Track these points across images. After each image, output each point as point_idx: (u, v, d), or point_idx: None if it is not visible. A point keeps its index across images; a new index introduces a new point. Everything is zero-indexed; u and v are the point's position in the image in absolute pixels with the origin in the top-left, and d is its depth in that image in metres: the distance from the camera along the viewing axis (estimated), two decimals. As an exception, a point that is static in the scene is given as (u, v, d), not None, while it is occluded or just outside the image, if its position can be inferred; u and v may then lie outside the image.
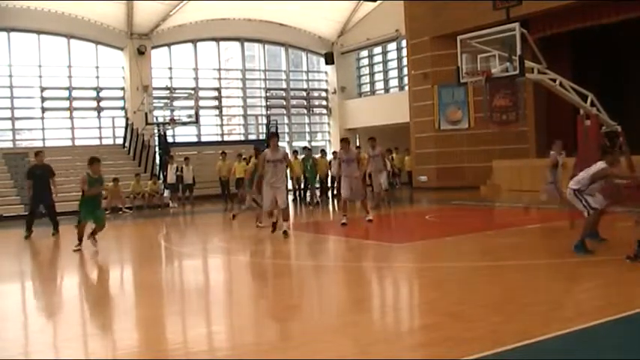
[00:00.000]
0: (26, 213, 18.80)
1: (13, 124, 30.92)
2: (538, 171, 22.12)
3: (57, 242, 16.29)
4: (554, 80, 19.60)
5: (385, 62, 37.66)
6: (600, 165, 10.19)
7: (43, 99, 31.28)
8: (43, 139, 31.20)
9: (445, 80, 26.86)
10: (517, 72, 19.07)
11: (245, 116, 37.34)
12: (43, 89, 31.20)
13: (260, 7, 33.58)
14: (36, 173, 17.30)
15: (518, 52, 18.91)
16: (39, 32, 30.80)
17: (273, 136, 15.45)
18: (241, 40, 36.43)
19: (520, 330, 6.38)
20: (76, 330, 7.69)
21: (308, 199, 25.72)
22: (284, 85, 38.47)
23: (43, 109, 31.37)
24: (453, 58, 21.91)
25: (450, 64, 23.71)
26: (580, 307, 7.47)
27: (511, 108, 26.78)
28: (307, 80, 39.63)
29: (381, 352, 6.08)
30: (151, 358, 6.31)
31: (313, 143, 38.00)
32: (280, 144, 16.38)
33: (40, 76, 31.12)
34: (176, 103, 32.39)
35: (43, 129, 31.35)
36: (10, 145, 30.13)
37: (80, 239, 13.67)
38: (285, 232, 14.21)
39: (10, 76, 30.49)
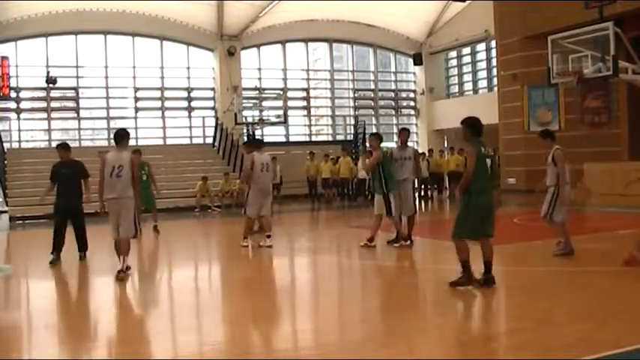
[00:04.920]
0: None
1: (108, 124, 31.89)
2: (632, 175, 21.55)
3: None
4: (649, 81, 19.13)
5: (474, 63, 37.22)
6: None
7: (137, 99, 32.23)
8: (136, 138, 32.01)
9: (535, 81, 26.38)
10: (610, 72, 18.68)
11: (333, 117, 37.56)
12: (136, 90, 32.15)
13: (348, 8, 33.71)
14: (61, 173, 12.64)
15: (612, 51, 18.52)
16: (133, 35, 31.74)
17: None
18: (330, 40, 36.59)
19: (612, 338, 6.27)
20: (166, 325, 7.96)
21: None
22: (372, 86, 38.48)
23: (137, 109, 32.33)
24: (544, 58, 21.57)
25: (540, 65, 23.36)
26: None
27: (603, 110, 26.08)
28: (395, 81, 39.49)
29: (465, 356, 6.08)
30: (236, 353, 6.48)
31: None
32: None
33: (134, 77, 32.05)
34: (265, 104, 32.77)
35: (136, 128, 32.22)
36: (105, 143, 31.00)
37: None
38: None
39: (106, 77, 31.52)
